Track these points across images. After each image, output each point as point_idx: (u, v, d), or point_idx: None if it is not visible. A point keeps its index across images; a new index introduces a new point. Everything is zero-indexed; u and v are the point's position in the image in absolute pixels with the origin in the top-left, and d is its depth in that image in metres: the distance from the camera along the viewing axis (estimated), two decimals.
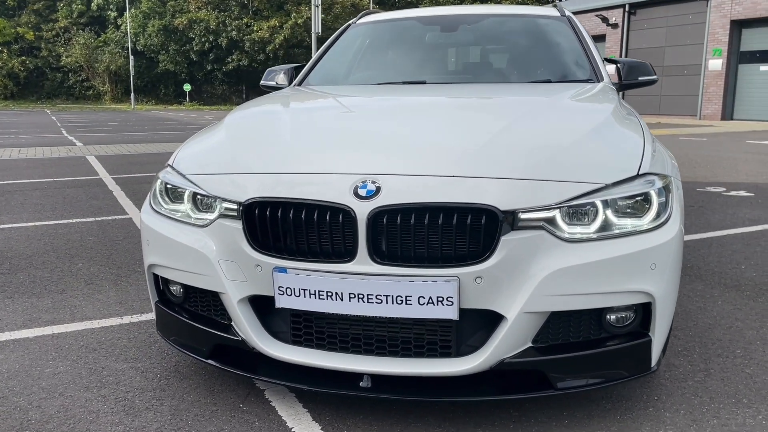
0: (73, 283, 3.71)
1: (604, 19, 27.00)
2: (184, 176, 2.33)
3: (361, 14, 4.21)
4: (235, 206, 2.12)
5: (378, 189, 1.97)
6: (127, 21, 43.46)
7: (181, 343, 2.37)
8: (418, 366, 2.02)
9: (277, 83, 3.85)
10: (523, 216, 1.92)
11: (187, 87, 43.87)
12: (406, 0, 47.45)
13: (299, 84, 3.65)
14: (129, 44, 42.92)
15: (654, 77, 3.51)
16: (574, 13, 5.03)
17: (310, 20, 43.07)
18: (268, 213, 2.05)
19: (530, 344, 2.01)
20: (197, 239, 2.21)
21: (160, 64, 46.27)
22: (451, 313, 1.93)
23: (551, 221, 1.95)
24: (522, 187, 1.97)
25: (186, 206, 2.30)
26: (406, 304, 1.94)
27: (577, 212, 2.00)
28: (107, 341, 2.86)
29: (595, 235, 1.99)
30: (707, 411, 2.20)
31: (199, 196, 2.27)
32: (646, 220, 2.04)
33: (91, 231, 5.04)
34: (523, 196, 1.94)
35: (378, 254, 1.96)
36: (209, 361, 2.27)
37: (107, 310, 3.26)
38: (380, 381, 2.09)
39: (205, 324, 2.28)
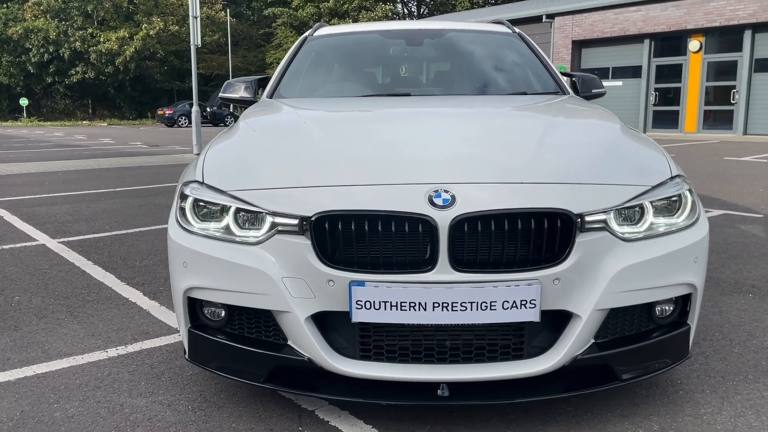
0: (23, 318, 3.33)
1: None
2: (224, 192, 2.21)
3: (315, 27, 4.17)
4: (295, 221, 2.05)
5: (453, 198, 2.00)
6: None
7: (227, 368, 2.23)
8: (497, 370, 2.07)
9: (240, 96, 3.73)
10: (588, 218, 2.04)
11: (24, 101, 40.24)
12: (262, 13, 46.94)
13: (270, 96, 3.55)
14: None
15: (603, 90, 3.82)
16: None
17: (163, 32, 41.41)
18: (340, 226, 2.00)
19: (593, 340, 2.13)
20: (253, 258, 2.10)
21: None
22: (533, 316, 2.00)
23: (609, 222, 2.09)
24: (587, 191, 2.09)
25: (225, 223, 2.18)
26: (491, 309, 1.99)
27: (627, 213, 2.15)
28: (106, 377, 2.61)
29: (643, 234, 2.15)
30: (727, 388, 2.45)
31: (242, 213, 2.16)
32: (681, 218, 2.24)
33: (5, 260, 4.52)
34: (588, 199, 2.07)
35: (458, 262, 1.98)
36: (266, 385, 2.17)
37: (82, 344, 2.97)
38: (454, 389, 2.11)
39: (259, 346, 2.17)
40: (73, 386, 2.52)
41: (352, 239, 2.01)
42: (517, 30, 4.07)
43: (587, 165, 2.21)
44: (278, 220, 2.08)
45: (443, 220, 1.96)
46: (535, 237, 2.00)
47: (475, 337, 2.08)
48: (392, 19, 42.67)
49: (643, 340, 2.19)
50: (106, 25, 42.10)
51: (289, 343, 2.15)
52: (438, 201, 1.99)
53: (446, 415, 2.25)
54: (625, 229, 2.13)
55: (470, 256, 1.99)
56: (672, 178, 2.28)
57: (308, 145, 2.40)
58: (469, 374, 2.06)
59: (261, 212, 2.12)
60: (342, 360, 2.09)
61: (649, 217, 2.17)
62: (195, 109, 13.41)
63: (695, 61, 21.29)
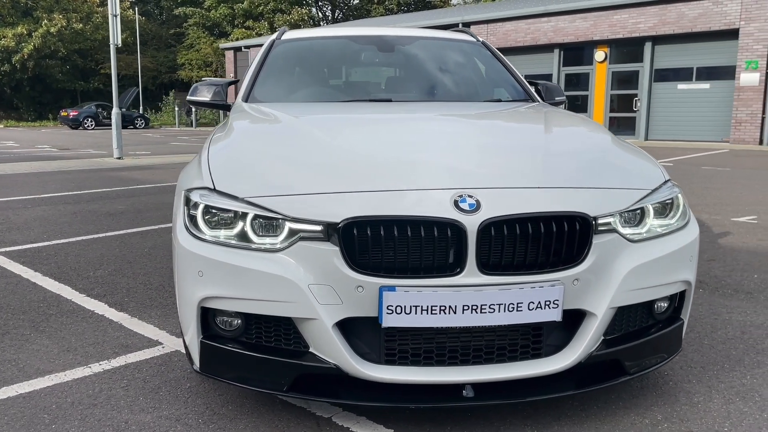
0: None
1: None
2: (238, 199, 2.16)
3: (281, 31, 4.12)
4: (318, 227, 2.05)
5: (478, 202, 2.05)
6: None
7: (245, 379, 2.18)
8: (519, 369, 2.13)
9: (211, 100, 3.63)
10: (601, 221, 2.15)
11: None
12: (172, 13, 45.49)
13: (246, 100, 3.48)
14: None
15: (564, 98, 3.99)
16: None
17: (65, 29, 39.26)
18: (369, 232, 2.01)
19: (602, 337, 2.24)
20: (276, 265, 2.07)
21: None
22: (555, 315, 2.09)
23: (616, 225, 2.20)
24: (599, 194, 2.20)
25: (238, 231, 2.14)
26: (517, 310, 2.05)
27: (628, 215, 2.27)
28: (98, 394, 2.48)
29: (644, 235, 2.28)
30: (710, 377, 2.63)
31: (259, 219, 2.13)
32: (674, 220, 2.39)
33: None
34: (601, 202, 2.17)
35: (484, 265, 2.04)
36: (289, 394, 2.14)
37: (60, 360, 2.80)
38: (475, 389, 2.15)
39: (281, 355, 2.14)
40: (66, 405, 2.38)
41: (380, 244, 2.02)
42: (480, 39, 4.19)
43: (594, 170, 2.33)
44: (301, 226, 2.07)
45: (471, 224, 2.00)
46: (557, 239, 2.08)
47: (497, 337, 2.14)
48: (307, 22, 42.43)
49: (646, 335, 2.32)
50: (2, 21, 39.45)
51: (311, 350, 2.13)
52: (464, 206, 2.04)
53: (463, 416, 2.30)
54: (628, 231, 2.25)
55: (496, 259, 2.05)
56: (665, 182, 2.44)
57: (320, 151, 2.38)
58: (492, 374, 2.12)
59: (281, 219, 2.09)
60: (369, 365, 2.09)
61: (650, 220, 2.30)
62: (116, 111, 12.83)
63: (601, 71, 22.44)
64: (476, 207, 2.04)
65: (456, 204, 2.04)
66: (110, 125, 12.60)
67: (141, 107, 36.99)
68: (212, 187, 2.24)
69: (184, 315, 2.28)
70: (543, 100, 3.88)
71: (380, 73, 3.88)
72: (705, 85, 20.22)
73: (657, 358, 2.36)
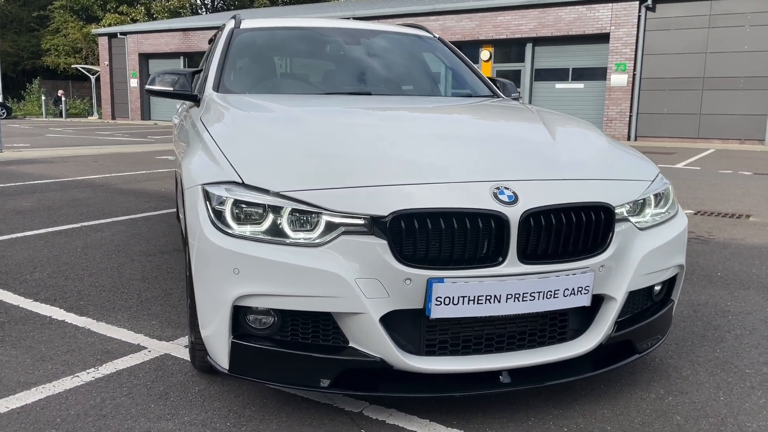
0: None
1: None
2: (271, 193, 2.09)
3: (237, 19, 3.95)
4: (361, 221, 2.03)
5: (515, 194, 2.12)
6: None
7: (282, 378, 2.13)
8: (550, 353, 2.23)
9: (175, 90, 3.43)
10: (618, 210, 2.29)
11: None
12: (39, 4, 42.04)
13: (216, 90, 3.32)
14: None
15: (518, 93, 4.16)
16: None
17: None
18: (416, 224, 2.02)
19: (616, 320, 2.38)
20: (320, 260, 2.03)
21: None
22: (586, 301, 2.20)
23: (627, 214, 2.36)
24: (616, 185, 2.35)
25: (269, 226, 2.09)
26: (554, 297, 2.15)
27: (634, 205, 2.43)
28: (102, 404, 2.30)
29: (646, 223, 2.46)
30: (687, 353, 2.87)
31: (296, 213, 2.08)
32: (665, 209, 2.58)
33: None
34: (618, 193, 2.32)
35: (524, 255, 2.11)
36: (332, 390, 2.11)
37: (39, 371, 2.57)
38: (510, 374, 2.23)
39: (323, 351, 2.10)
40: (71, 418, 2.20)
41: (427, 237, 2.04)
42: (437, 35, 4.26)
43: (605, 162, 2.47)
44: (343, 220, 2.04)
45: (513, 215, 2.07)
46: (586, 228, 2.19)
47: (528, 323, 2.22)
48: (188, 9, 40.72)
49: (649, 315, 2.49)
50: None
51: (351, 344, 2.11)
52: (503, 197, 2.10)
53: (488, 402, 2.37)
54: (634, 219, 2.41)
55: (533, 249, 2.13)
56: (657, 174, 2.63)
57: (339, 144, 2.34)
58: (527, 360, 2.20)
59: (319, 213, 2.05)
60: (413, 357, 2.11)
61: (650, 209, 2.48)
62: None
63: (486, 69, 23.36)
64: (515, 199, 2.10)
65: (495, 196, 2.10)
66: None
67: (1, 96, 33.90)
68: (239, 180, 2.15)
69: (206, 315, 2.18)
70: (503, 95, 4.03)
71: (350, 66, 3.82)
72: (579, 85, 21.62)
73: (656, 336, 2.55)
